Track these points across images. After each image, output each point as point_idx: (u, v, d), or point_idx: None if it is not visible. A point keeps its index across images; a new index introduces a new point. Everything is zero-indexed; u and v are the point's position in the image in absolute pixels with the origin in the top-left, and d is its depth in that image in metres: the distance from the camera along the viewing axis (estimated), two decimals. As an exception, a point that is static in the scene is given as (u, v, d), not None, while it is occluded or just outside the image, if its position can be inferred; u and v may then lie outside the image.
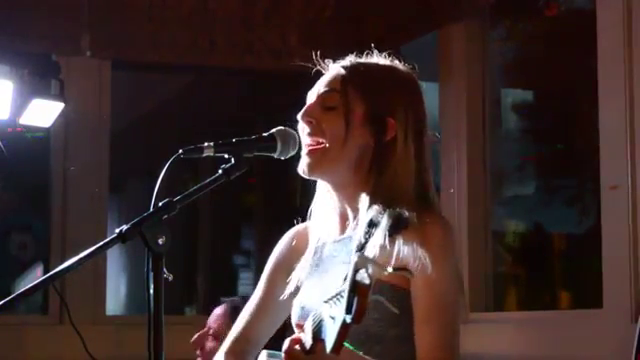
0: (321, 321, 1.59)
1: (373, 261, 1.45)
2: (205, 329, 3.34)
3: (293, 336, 1.71)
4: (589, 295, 3.94)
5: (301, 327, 1.69)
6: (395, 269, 1.52)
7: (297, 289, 2.05)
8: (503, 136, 4.66)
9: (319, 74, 2.09)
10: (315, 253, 2.07)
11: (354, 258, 1.45)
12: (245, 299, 3.41)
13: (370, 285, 1.43)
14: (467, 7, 4.28)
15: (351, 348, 1.72)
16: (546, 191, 4.80)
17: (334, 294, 1.50)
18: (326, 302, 1.52)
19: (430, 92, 4.53)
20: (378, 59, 2.09)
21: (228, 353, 2.14)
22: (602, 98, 3.60)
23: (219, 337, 3.26)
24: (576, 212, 4.46)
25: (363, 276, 1.43)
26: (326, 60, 2.09)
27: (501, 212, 4.61)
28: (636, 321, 3.19)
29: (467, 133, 4.38)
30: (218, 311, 3.35)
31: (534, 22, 4.68)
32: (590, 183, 4.12)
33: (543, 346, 3.83)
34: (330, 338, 1.52)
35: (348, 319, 1.45)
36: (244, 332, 2.16)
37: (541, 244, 4.70)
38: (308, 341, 1.64)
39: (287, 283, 2.08)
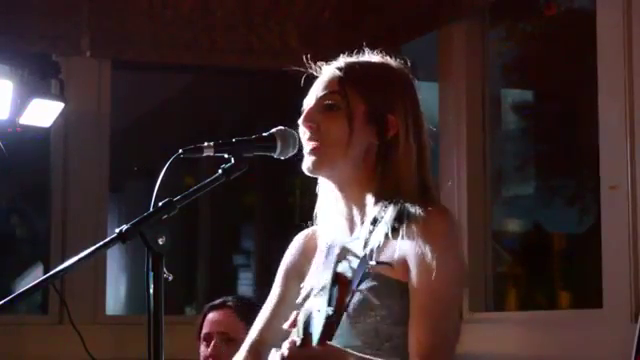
0: (310, 314, 1.59)
1: (354, 254, 1.45)
2: (215, 340, 3.29)
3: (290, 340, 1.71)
4: (589, 295, 3.93)
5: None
6: (378, 262, 1.52)
7: (311, 291, 2.05)
8: (503, 136, 4.66)
9: (310, 77, 2.08)
10: (326, 256, 2.07)
11: (336, 251, 1.45)
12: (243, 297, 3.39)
13: (351, 277, 1.43)
14: (467, 7, 4.27)
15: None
16: (546, 191, 4.80)
17: (321, 287, 1.50)
18: (315, 296, 1.53)
19: (430, 92, 4.55)
20: (370, 57, 2.09)
21: (250, 352, 2.15)
22: (602, 98, 3.60)
23: (238, 339, 3.24)
24: (576, 212, 4.46)
25: (345, 268, 1.44)
26: (318, 62, 2.08)
27: (501, 212, 4.61)
28: (636, 321, 3.19)
29: (467, 133, 4.37)
30: (220, 316, 3.32)
31: (534, 22, 4.67)
32: (590, 183, 4.11)
33: (543, 346, 3.82)
34: (316, 331, 1.52)
35: (330, 311, 1.45)
36: (260, 335, 2.16)
37: (541, 244, 4.70)
38: (300, 335, 1.65)
39: (299, 286, 2.07)
